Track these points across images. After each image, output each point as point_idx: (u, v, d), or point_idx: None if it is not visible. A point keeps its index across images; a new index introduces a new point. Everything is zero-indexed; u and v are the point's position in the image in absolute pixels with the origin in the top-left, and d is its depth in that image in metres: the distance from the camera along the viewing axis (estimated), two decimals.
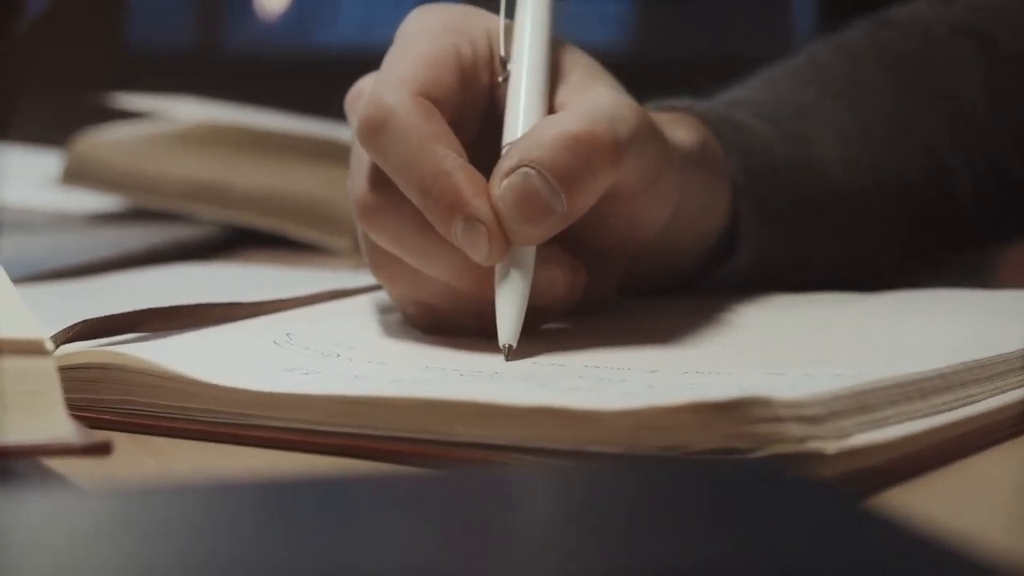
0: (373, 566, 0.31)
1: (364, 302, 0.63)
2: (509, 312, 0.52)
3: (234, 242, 0.95)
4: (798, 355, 0.53)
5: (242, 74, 2.34)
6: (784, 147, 0.67)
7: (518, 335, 0.52)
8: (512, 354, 0.52)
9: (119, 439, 0.46)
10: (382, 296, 0.62)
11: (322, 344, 0.54)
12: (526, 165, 0.52)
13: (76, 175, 1.01)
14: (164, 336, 0.55)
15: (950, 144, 0.73)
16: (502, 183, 0.52)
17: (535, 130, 0.53)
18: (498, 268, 0.53)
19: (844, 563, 0.31)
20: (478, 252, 0.52)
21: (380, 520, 0.35)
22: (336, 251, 0.93)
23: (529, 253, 0.53)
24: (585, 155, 0.52)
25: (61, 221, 1.00)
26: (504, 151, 0.54)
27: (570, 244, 0.55)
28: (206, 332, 0.56)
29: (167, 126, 1.03)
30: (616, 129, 0.53)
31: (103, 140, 1.02)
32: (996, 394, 0.48)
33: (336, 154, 0.97)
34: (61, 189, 1.02)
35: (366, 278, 0.67)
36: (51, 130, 1.13)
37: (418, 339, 0.56)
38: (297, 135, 1.00)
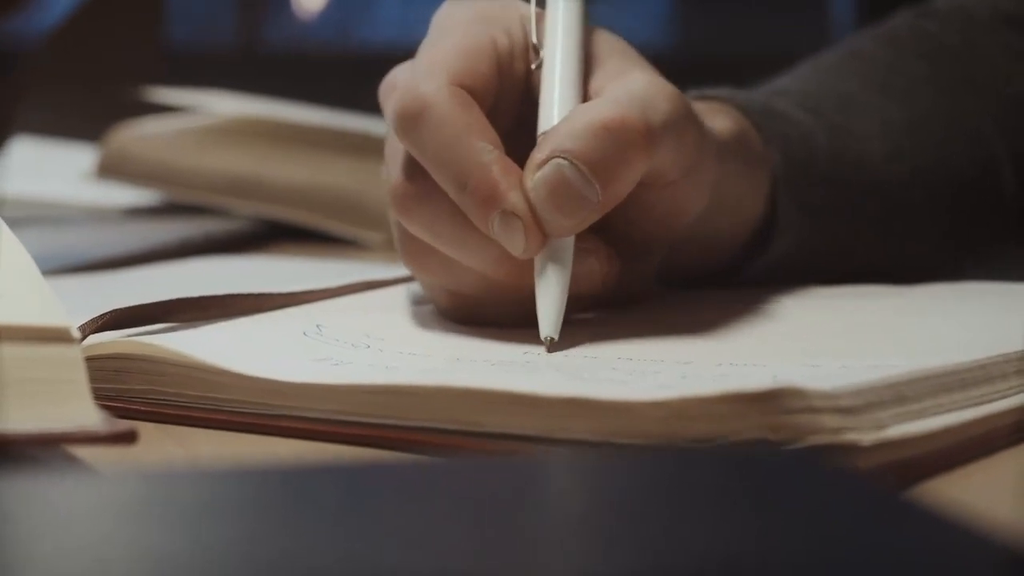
0: (396, 554, 0.31)
1: (395, 294, 0.62)
2: (550, 304, 0.52)
3: (267, 236, 0.95)
4: (834, 347, 0.52)
5: (282, 72, 2.34)
6: (825, 137, 0.66)
7: (559, 327, 0.51)
8: (553, 346, 0.51)
9: (146, 429, 0.46)
10: (413, 288, 0.61)
11: (352, 335, 0.53)
12: (558, 155, 0.51)
13: (111, 169, 1.01)
14: (192, 326, 0.54)
15: (995, 134, 0.72)
16: (535, 175, 0.51)
17: (567, 119, 0.53)
18: (537, 260, 0.52)
19: (881, 554, 0.31)
20: (515, 246, 0.52)
21: (404, 509, 0.34)
22: (369, 245, 0.93)
23: (568, 244, 0.53)
24: (617, 143, 0.51)
25: (96, 215, 1.00)
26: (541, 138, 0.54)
27: (606, 234, 0.54)
28: (235, 323, 0.56)
29: (201, 120, 1.03)
30: (649, 115, 0.52)
31: (138, 134, 1.02)
32: None
33: (369, 148, 0.97)
34: (96, 183, 1.02)
35: (397, 270, 0.67)
36: (87, 124, 1.13)
37: (449, 330, 0.55)
38: (330, 129, 1.00)
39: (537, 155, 0.52)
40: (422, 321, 0.57)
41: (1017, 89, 0.73)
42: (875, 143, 0.68)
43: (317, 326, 0.55)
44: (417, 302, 0.60)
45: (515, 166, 0.52)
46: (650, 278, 0.59)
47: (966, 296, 0.62)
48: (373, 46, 2.79)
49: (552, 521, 0.34)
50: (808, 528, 0.32)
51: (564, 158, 0.51)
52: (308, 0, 2.85)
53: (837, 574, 0.30)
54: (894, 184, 0.68)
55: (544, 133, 0.53)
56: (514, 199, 0.51)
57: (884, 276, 0.64)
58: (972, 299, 0.61)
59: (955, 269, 0.70)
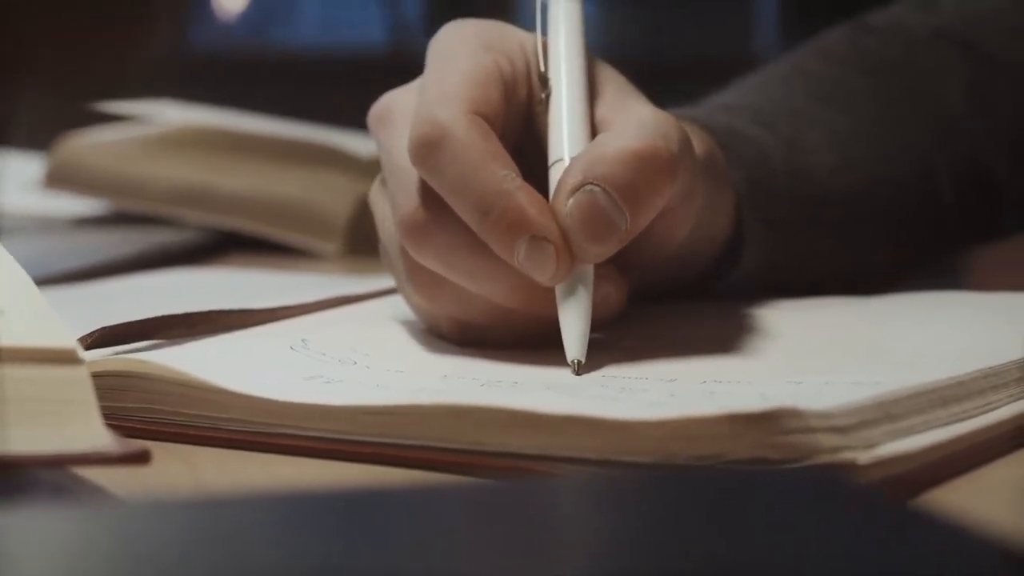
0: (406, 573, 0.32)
1: (372, 307, 0.63)
2: (576, 328, 0.52)
3: (219, 246, 0.95)
4: (812, 362, 0.54)
5: (204, 74, 2.33)
6: (781, 153, 0.68)
7: (586, 350, 0.52)
8: (581, 369, 0.52)
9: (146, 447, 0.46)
10: (391, 301, 0.62)
11: (338, 350, 0.54)
12: (591, 182, 0.52)
13: (60, 179, 1.00)
14: (180, 343, 0.55)
15: (934, 147, 0.74)
16: (568, 201, 0.52)
17: (595, 147, 0.53)
18: (559, 286, 0.53)
19: (893, 567, 0.32)
20: (544, 272, 0.52)
21: (425, 531, 0.35)
22: (322, 254, 0.93)
23: (589, 270, 0.53)
24: (647, 171, 0.52)
25: (45, 225, 1.00)
26: (555, 167, 0.54)
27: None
28: (221, 339, 0.56)
29: (150, 129, 1.03)
30: (670, 145, 0.53)
31: (87, 143, 1.01)
32: (1011, 401, 0.49)
33: (321, 157, 0.97)
34: (44, 193, 1.01)
35: (366, 283, 0.67)
36: (34, 133, 1.12)
37: (431, 346, 0.56)
38: (281, 138, 1.00)
39: (570, 181, 0.52)
40: (404, 336, 0.57)
41: (954, 104, 0.75)
42: (826, 155, 0.69)
43: (303, 340, 0.56)
44: (395, 316, 0.60)
45: (537, 192, 0.53)
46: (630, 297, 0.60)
47: (929, 306, 0.63)
48: (293, 48, 2.79)
49: (557, 539, 0.35)
50: (828, 542, 0.33)
51: (597, 184, 0.52)
52: (228, 2, 2.84)
53: None
54: (846, 195, 0.69)
55: (573, 159, 0.54)
56: (545, 223, 0.52)
57: (848, 287, 0.66)
58: (936, 310, 0.63)
59: (905, 279, 0.72)
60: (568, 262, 0.52)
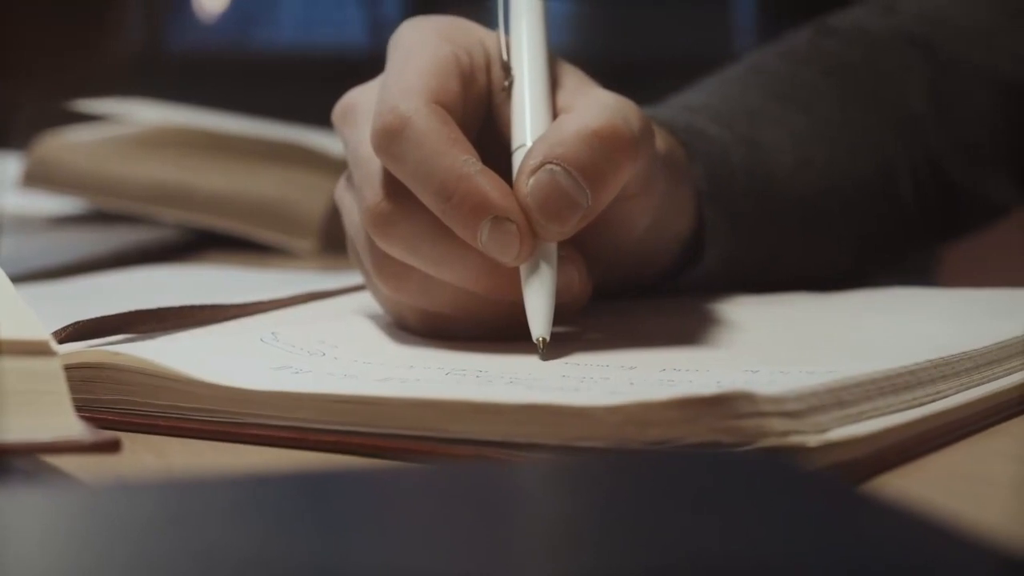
0: (372, 561, 0.32)
1: (341, 304, 0.64)
2: (540, 306, 0.53)
3: (196, 244, 0.96)
4: (770, 353, 0.55)
5: (184, 74, 2.34)
6: (741, 152, 0.69)
7: (550, 328, 0.53)
8: (548, 350, 0.53)
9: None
10: (358, 297, 0.63)
11: (307, 343, 0.55)
12: (551, 162, 0.53)
13: (37, 177, 1.01)
14: (153, 337, 0.56)
15: (895, 147, 0.75)
16: (528, 181, 0.53)
17: (555, 128, 0.54)
18: (523, 266, 0.54)
19: (846, 551, 0.33)
20: (507, 252, 0.53)
21: (379, 515, 0.36)
22: (297, 252, 0.95)
23: (552, 249, 0.54)
24: (607, 150, 0.53)
25: (22, 223, 1.01)
26: (518, 152, 0.56)
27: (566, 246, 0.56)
28: (193, 333, 0.57)
29: (128, 129, 1.04)
30: (630, 125, 0.54)
31: (64, 142, 1.02)
32: (962, 390, 0.50)
33: (296, 157, 0.98)
34: (22, 191, 1.02)
35: (339, 280, 0.69)
36: (11, 133, 1.13)
37: (398, 339, 0.57)
38: (257, 137, 1.01)
39: (530, 161, 0.53)
40: (372, 329, 0.59)
41: (915, 105, 0.76)
42: (786, 155, 0.70)
43: (272, 333, 0.57)
44: (362, 311, 0.61)
45: (498, 176, 0.54)
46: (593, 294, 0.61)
47: (888, 302, 0.65)
48: (273, 48, 2.80)
49: (515, 525, 0.36)
50: (780, 525, 0.34)
51: (557, 164, 0.53)
52: (209, 3, 2.85)
53: (810, 567, 0.32)
54: (807, 194, 0.70)
55: (535, 141, 0.55)
56: (507, 204, 0.53)
57: (808, 283, 0.67)
58: (895, 305, 0.64)
59: (867, 276, 0.73)
60: (531, 242, 0.53)
